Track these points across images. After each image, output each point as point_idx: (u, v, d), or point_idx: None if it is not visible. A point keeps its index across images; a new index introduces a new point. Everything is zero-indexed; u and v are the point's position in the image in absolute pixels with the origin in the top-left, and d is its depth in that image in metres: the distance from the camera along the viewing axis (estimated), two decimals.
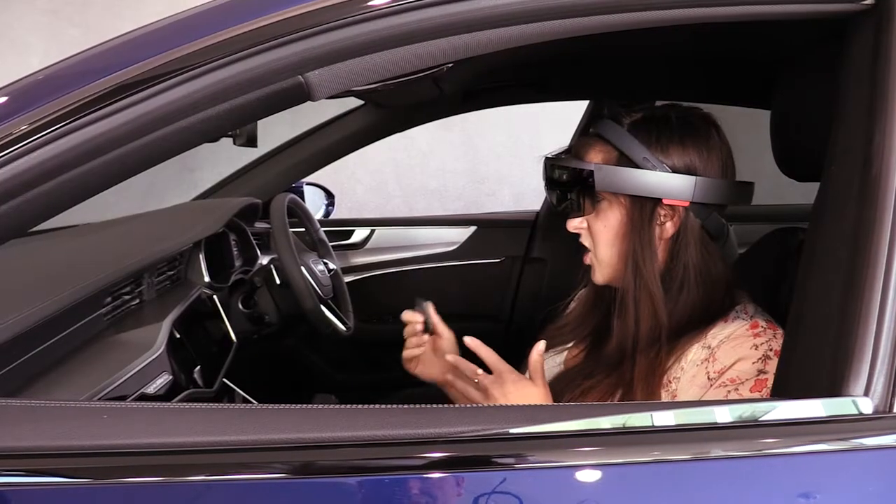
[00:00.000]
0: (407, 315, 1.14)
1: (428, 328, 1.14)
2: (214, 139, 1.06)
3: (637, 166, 0.96)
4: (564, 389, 1.01)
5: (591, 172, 0.97)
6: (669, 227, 0.97)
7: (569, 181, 1.00)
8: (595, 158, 0.99)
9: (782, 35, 0.95)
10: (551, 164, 1.04)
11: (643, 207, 0.97)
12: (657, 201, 0.96)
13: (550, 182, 1.05)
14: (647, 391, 0.94)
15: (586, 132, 1.05)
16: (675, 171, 0.95)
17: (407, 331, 1.15)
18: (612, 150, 0.98)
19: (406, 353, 1.15)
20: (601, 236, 1.01)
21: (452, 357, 1.01)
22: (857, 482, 0.64)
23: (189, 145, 0.68)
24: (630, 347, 0.97)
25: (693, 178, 0.95)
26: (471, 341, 0.97)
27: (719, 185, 0.97)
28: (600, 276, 1.03)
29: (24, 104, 0.65)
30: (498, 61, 1.26)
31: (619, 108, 1.03)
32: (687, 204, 0.96)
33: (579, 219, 1.03)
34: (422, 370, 1.16)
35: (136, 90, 0.64)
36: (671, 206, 0.97)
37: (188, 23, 0.69)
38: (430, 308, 1.14)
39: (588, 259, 1.04)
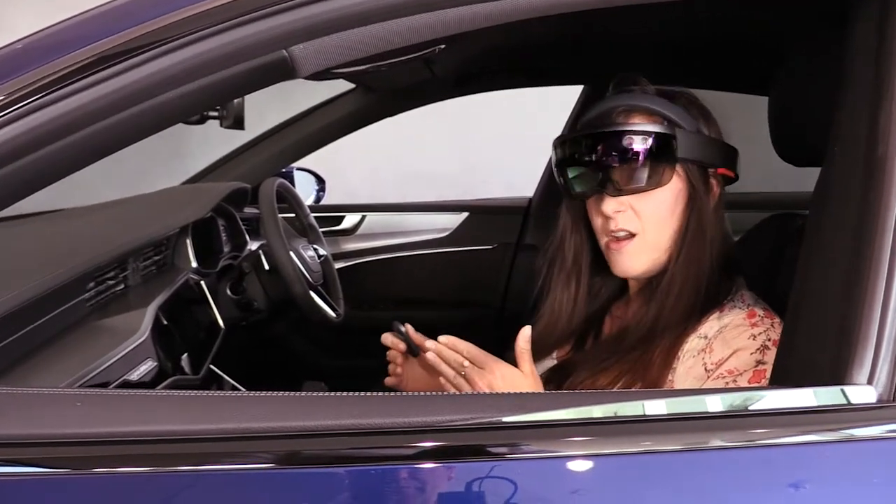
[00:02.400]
0: (386, 340, 1.08)
1: (413, 350, 1.06)
2: (199, 117, 1.04)
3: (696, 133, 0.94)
4: (569, 381, 0.97)
5: (673, 138, 0.90)
6: (711, 200, 0.95)
7: (632, 152, 0.90)
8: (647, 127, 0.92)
9: (782, 18, 0.94)
10: (605, 133, 0.93)
11: (701, 177, 0.94)
12: (707, 172, 0.94)
13: (595, 157, 0.93)
14: (662, 373, 0.91)
15: (582, 116, 1.02)
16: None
17: (389, 355, 1.10)
18: (661, 121, 0.93)
19: (389, 381, 1.10)
20: (653, 214, 0.93)
21: (432, 355, 0.90)
22: (862, 473, 0.63)
23: (169, 122, 0.66)
24: (659, 330, 0.92)
25: (734, 148, 0.95)
26: (446, 339, 0.91)
27: (737, 159, 0.98)
28: (644, 263, 0.95)
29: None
30: (491, 45, 1.24)
31: (632, 82, 0.99)
32: (732, 175, 0.95)
33: (619, 199, 0.92)
34: (416, 388, 1.09)
35: (113, 62, 0.62)
36: (716, 178, 0.95)
37: None
38: (410, 329, 1.07)
39: (630, 247, 0.94)
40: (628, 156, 0.91)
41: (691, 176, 0.94)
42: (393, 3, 0.65)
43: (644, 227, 0.94)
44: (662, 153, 0.91)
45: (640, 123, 0.93)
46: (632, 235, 0.94)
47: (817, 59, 0.90)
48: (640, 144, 0.91)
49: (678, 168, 0.93)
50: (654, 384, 0.91)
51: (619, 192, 0.93)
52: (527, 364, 0.88)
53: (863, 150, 0.69)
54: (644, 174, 0.92)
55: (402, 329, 1.07)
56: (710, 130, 0.98)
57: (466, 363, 0.89)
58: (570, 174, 0.99)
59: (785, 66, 0.96)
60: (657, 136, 0.91)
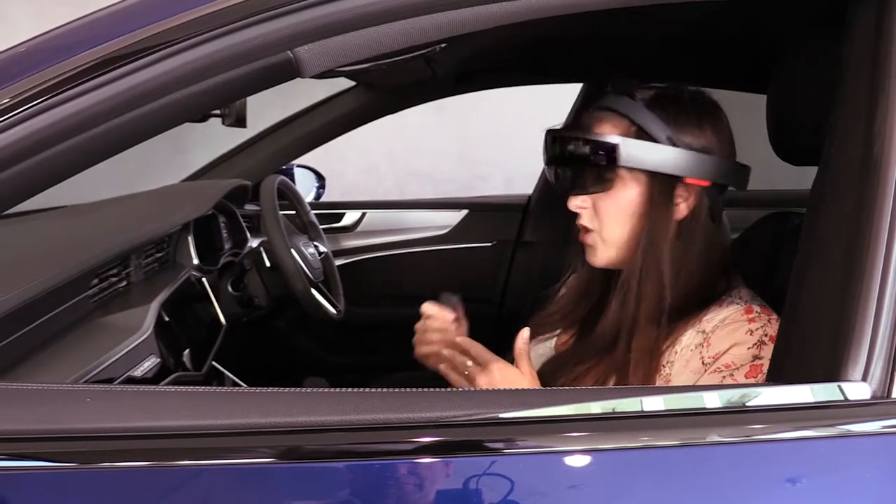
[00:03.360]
0: (429, 308, 1.08)
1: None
2: (202, 117, 1.04)
3: (657, 143, 0.94)
4: (556, 375, 1.00)
5: (615, 147, 0.93)
6: (683, 208, 0.96)
7: (583, 155, 0.95)
8: (611, 133, 0.95)
9: (781, 16, 0.94)
10: (562, 136, 0.99)
11: (663, 185, 0.94)
12: (677, 180, 0.94)
13: (559, 157, 0.99)
14: (643, 374, 0.93)
15: (596, 107, 1.02)
16: (691, 150, 0.94)
17: (430, 324, 1.08)
18: (629, 126, 0.95)
19: (426, 350, 1.07)
20: (610, 215, 0.97)
21: (462, 339, 0.96)
22: (855, 469, 0.64)
23: (174, 122, 0.66)
24: (627, 330, 0.95)
25: (714, 157, 0.94)
26: (461, 341, 0.95)
27: (732, 167, 0.97)
28: (603, 257, 0.99)
29: (4, 77, 0.63)
30: (492, 42, 1.25)
31: (625, 84, 1.00)
32: (708, 184, 0.95)
33: (582, 197, 0.98)
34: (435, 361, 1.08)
35: (120, 64, 0.63)
36: (689, 187, 0.95)
37: None
38: (457, 301, 1.09)
39: (590, 240, 1.00)
40: (576, 159, 0.97)
41: (652, 184, 0.95)
42: (398, 4, 0.65)
43: (601, 224, 0.98)
44: (606, 160, 0.94)
45: (598, 129, 0.96)
46: (589, 230, 0.99)
47: (815, 58, 0.90)
48: (584, 150, 0.96)
49: (636, 175, 0.95)
50: (640, 384, 0.92)
51: (579, 191, 0.99)
52: (525, 364, 0.91)
53: (859, 148, 0.69)
54: (592, 178, 0.97)
55: (453, 299, 1.08)
56: (689, 140, 0.95)
57: (469, 362, 0.92)
58: (550, 170, 1.04)
59: (783, 64, 0.97)
60: (599, 143, 0.94)
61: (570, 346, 1.08)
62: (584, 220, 0.99)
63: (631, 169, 0.94)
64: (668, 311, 0.94)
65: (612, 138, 0.94)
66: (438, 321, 1.07)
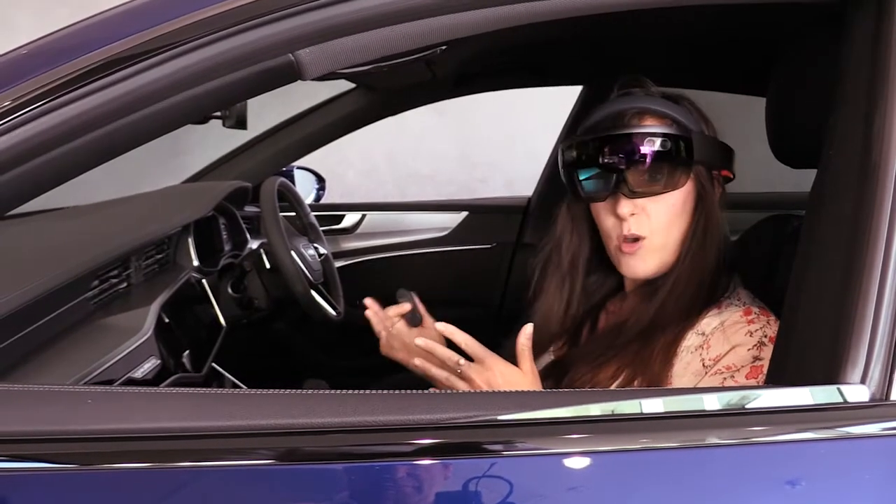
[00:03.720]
0: (393, 310, 1.09)
1: (415, 318, 1.09)
2: (203, 119, 1.04)
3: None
4: (568, 376, 0.98)
5: (687, 141, 0.90)
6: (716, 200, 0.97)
7: (647, 155, 0.90)
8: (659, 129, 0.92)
9: (780, 19, 0.94)
10: (619, 136, 0.92)
11: (709, 178, 0.95)
12: (712, 173, 0.96)
13: (609, 160, 0.92)
14: (663, 368, 0.91)
15: (583, 117, 1.02)
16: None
17: (383, 315, 1.10)
18: (671, 123, 0.93)
19: (383, 343, 1.11)
20: (664, 216, 0.93)
21: (423, 341, 0.93)
22: (854, 471, 0.64)
23: (176, 124, 0.66)
24: (660, 326, 0.93)
25: (729, 149, 0.96)
26: (444, 327, 0.91)
27: (733, 159, 0.99)
28: (652, 265, 0.95)
29: (6, 80, 0.63)
30: (491, 45, 1.25)
31: (633, 85, 0.99)
32: (731, 175, 0.97)
33: (633, 202, 0.92)
34: (400, 355, 1.12)
35: (122, 66, 0.63)
36: (718, 179, 0.97)
37: None
38: (416, 298, 1.11)
39: (637, 248, 0.94)
40: (644, 158, 0.91)
41: (701, 177, 0.95)
42: (399, 8, 0.66)
43: (653, 229, 0.94)
44: (678, 156, 0.91)
45: (654, 126, 0.93)
46: (640, 238, 0.94)
47: (814, 60, 0.90)
48: (657, 147, 0.91)
49: (691, 170, 0.94)
50: (656, 379, 0.91)
51: (635, 194, 0.93)
52: (527, 362, 0.88)
53: (858, 151, 0.69)
54: (660, 177, 0.92)
55: (409, 294, 1.10)
56: (710, 132, 0.99)
57: (462, 360, 0.88)
58: (582, 176, 0.98)
59: (782, 67, 0.97)
60: (674, 138, 0.91)
61: (569, 349, 1.07)
62: (635, 228, 0.94)
63: (688, 164, 0.92)
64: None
65: (679, 132, 0.91)
66: (373, 315, 1.10)
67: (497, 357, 0.89)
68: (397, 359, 1.11)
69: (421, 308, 1.11)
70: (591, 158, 0.95)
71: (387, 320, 1.11)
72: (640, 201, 0.93)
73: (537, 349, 1.03)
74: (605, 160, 0.93)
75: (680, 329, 0.93)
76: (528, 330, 0.89)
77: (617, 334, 0.99)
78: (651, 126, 0.93)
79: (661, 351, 0.93)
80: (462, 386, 0.89)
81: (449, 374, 0.90)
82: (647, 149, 0.91)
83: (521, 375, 0.88)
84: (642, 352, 0.93)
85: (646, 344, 0.94)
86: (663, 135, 0.91)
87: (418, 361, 0.94)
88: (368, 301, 1.13)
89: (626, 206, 0.93)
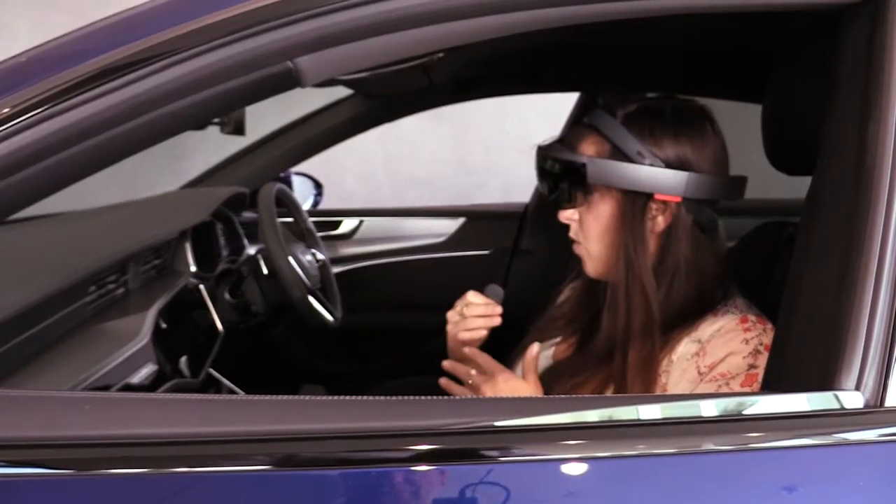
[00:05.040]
0: (474, 295, 1.09)
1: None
2: (201, 125, 1.05)
3: (630, 160, 0.95)
4: (553, 385, 1.00)
5: (584, 165, 0.96)
6: (661, 222, 0.97)
7: (560, 172, 0.99)
8: (588, 150, 0.97)
9: (776, 28, 0.95)
10: (543, 154, 1.03)
11: (635, 201, 0.96)
12: (649, 195, 0.96)
13: (542, 172, 1.03)
14: (641, 385, 0.93)
15: (579, 122, 1.04)
16: (668, 165, 0.95)
17: (473, 310, 1.08)
18: (605, 143, 0.97)
19: (468, 336, 1.06)
20: (591, 229, 1.00)
21: (450, 363, 1.02)
22: (849, 477, 0.64)
23: (175, 131, 0.66)
24: (621, 342, 0.96)
25: (685, 173, 0.94)
26: (469, 352, 1.00)
27: (712, 181, 0.96)
28: (591, 269, 1.03)
29: (5, 87, 0.63)
30: (489, 52, 1.25)
31: (613, 98, 1.01)
32: (679, 199, 0.95)
33: (570, 210, 1.02)
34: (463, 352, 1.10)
35: (120, 74, 0.63)
36: (663, 201, 0.96)
37: (175, 6, 0.68)
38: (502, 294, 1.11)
39: (579, 251, 1.03)
40: (557, 175, 1.00)
41: (624, 200, 0.96)
42: (397, 16, 0.66)
43: (585, 237, 1.01)
44: (578, 178, 0.97)
45: (578, 145, 0.99)
46: (577, 242, 1.03)
47: (810, 67, 0.91)
48: (559, 168, 0.99)
49: (611, 191, 0.97)
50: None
51: (563, 205, 1.02)
52: (532, 375, 0.94)
53: (853, 159, 0.70)
54: (573, 194, 1.00)
55: (499, 290, 1.11)
56: (665, 154, 0.95)
57: (473, 371, 0.96)
58: (539, 183, 1.06)
59: (778, 74, 0.97)
60: (569, 162, 0.98)
61: (568, 355, 1.08)
62: (572, 233, 1.03)
63: (606, 186, 0.97)
64: (660, 322, 0.95)
65: (581, 158, 0.97)
66: (481, 308, 1.08)
67: (504, 369, 0.95)
68: (466, 339, 1.08)
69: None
70: (538, 168, 1.05)
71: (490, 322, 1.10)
72: (577, 210, 1.01)
73: (549, 332, 1.12)
74: (543, 171, 1.03)
75: (650, 345, 0.95)
76: (534, 349, 0.96)
77: (593, 348, 1.03)
78: (573, 146, 0.99)
79: (635, 365, 0.94)
80: (469, 394, 0.97)
81: (461, 387, 0.99)
82: (551, 168, 1.01)
83: (525, 386, 0.93)
84: (616, 367, 0.96)
85: (617, 359, 0.97)
86: (559, 159, 0.99)
87: (447, 364, 1.02)
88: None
89: (563, 213, 1.03)
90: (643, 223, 0.96)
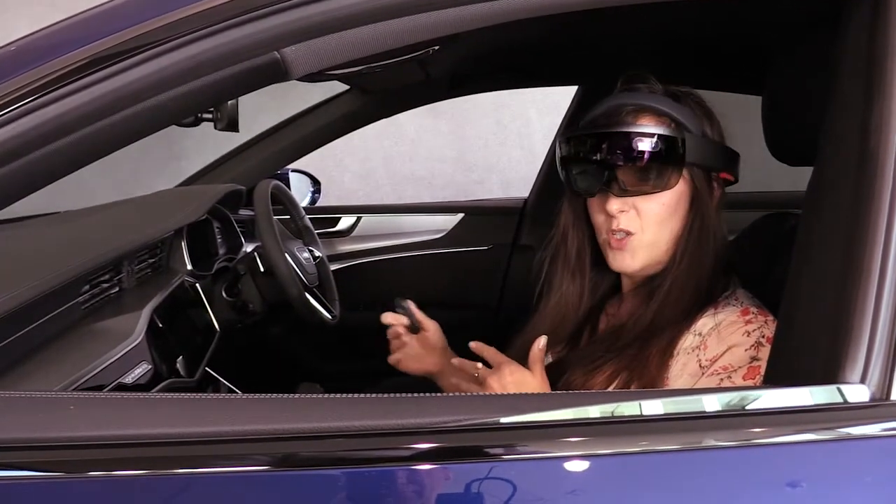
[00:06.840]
0: (388, 318, 1.14)
1: (414, 327, 1.13)
2: (194, 120, 1.04)
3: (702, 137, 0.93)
4: (566, 376, 0.99)
5: (682, 142, 0.89)
6: (713, 203, 0.96)
7: (640, 154, 0.89)
8: (656, 130, 0.91)
9: (776, 17, 0.94)
10: (613, 133, 0.91)
11: (706, 180, 0.94)
12: (710, 175, 0.94)
13: (601, 157, 0.92)
14: (661, 365, 0.91)
15: (580, 114, 1.02)
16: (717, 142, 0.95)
17: (390, 333, 1.15)
18: (670, 123, 0.92)
19: (393, 358, 1.16)
20: (655, 215, 0.92)
21: (458, 360, 1.01)
22: (854, 473, 0.63)
23: (163, 124, 0.65)
24: (660, 326, 0.93)
25: (731, 150, 0.95)
26: (475, 346, 0.98)
27: (735, 161, 0.97)
28: (640, 260, 0.95)
29: None
30: (485, 46, 1.24)
31: (644, 79, 0.98)
32: (732, 178, 0.96)
33: (622, 199, 0.92)
34: (413, 367, 1.16)
35: (105, 65, 0.62)
36: (717, 181, 0.95)
37: None
38: (412, 306, 1.13)
39: (626, 244, 0.94)
40: (635, 157, 0.90)
41: (696, 179, 0.94)
42: (386, 4, 0.65)
43: (643, 226, 0.94)
44: (670, 156, 0.90)
45: (649, 124, 0.92)
46: (630, 234, 0.94)
47: (811, 57, 0.90)
48: (648, 146, 0.90)
49: (685, 171, 0.93)
50: (652, 382, 0.91)
51: (625, 192, 0.92)
52: (538, 368, 0.92)
53: (854, 150, 0.69)
54: (651, 176, 0.91)
55: (405, 305, 1.11)
56: (714, 133, 0.96)
57: (479, 365, 0.94)
58: (575, 171, 0.98)
59: (778, 65, 0.96)
60: (665, 138, 0.90)
61: (567, 352, 1.06)
62: (624, 224, 0.93)
63: (680, 165, 0.91)
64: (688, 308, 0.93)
65: (673, 132, 0.90)
66: (391, 329, 1.15)
67: (511, 362, 0.92)
68: (411, 370, 1.17)
69: (419, 315, 1.14)
70: (584, 154, 0.95)
71: (401, 342, 1.16)
72: (630, 199, 0.93)
73: (554, 345, 1.06)
74: (598, 156, 0.93)
75: (677, 330, 0.93)
76: (542, 342, 0.92)
77: (615, 338, 0.98)
78: (646, 125, 0.92)
79: (657, 353, 0.92)
80: (475, 389, 0.96)
81: (468, 381, 0.98)
82: (637, 148, 0.90)
83: (531, 379, 0.91)
84: (639, 355, 0.93)
85: (643, 347, 0.94)
86: (655, 135, 0.90)
87: (454, 380, 1.03)
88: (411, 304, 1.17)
89: (615, 203, 0.93)
90: (711, 202, 0.94)
